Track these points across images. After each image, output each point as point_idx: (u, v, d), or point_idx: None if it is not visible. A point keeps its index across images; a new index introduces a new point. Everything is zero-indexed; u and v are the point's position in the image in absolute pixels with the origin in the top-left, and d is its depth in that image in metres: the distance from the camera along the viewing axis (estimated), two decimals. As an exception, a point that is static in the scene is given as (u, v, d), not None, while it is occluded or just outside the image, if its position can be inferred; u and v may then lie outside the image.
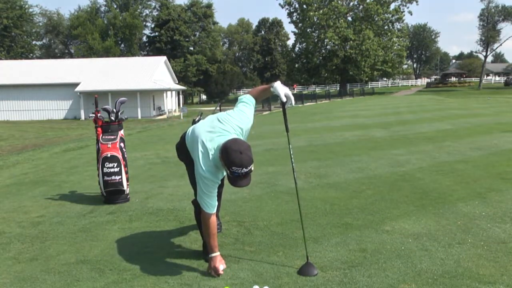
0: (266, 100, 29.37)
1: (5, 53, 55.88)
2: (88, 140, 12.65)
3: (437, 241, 3.42)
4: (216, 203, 2.94)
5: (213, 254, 2.94)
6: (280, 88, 3.05)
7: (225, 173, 2.94)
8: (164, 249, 3.43)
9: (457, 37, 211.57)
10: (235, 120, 2.96)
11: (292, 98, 3.05)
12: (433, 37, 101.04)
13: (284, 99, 3.06)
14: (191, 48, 65.27)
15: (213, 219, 2.92)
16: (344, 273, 2.88)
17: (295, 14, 58.12)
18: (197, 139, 2.87)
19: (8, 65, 37.61)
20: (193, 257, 3.24)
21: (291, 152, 3.26)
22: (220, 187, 3.25)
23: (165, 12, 62.99)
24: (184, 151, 3.15)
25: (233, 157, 2.63)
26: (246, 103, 3.11)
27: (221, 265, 2.91)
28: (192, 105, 57.37)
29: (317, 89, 66.87)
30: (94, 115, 5.03)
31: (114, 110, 5.04)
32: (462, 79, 73.25)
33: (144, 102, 32.88)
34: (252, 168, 2.70)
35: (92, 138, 11.00)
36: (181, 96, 47.29)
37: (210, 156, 2.80)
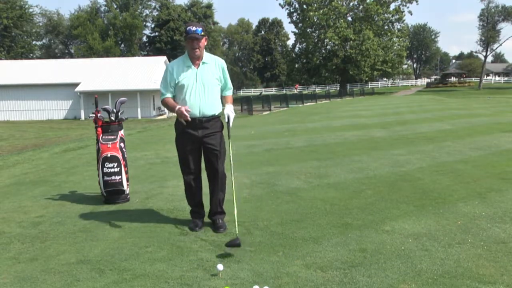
0: (266, 100, 29.45)
1: (5, 53, 55.89)
2: (88, 140, 12.65)
3: (437, 241, 3.42)
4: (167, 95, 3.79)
5: (176, 107, 3.66)
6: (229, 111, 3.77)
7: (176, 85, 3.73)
8: (164, 249, 3.43)
9: (457, 37, 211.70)
10: None
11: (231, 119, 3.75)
12: (433, 37, 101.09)
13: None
14: (191, 48, 65.26)
15: (167, 99, 3.78)
16: (344, 273, 2.88)
17: (295, 14, 58.06)
18: None
19: (8, 65, 37.55)
20: (193, 257, 3.24)
21: (231, 158, 3.72)
22: (213, 175, 3.87)
23: (165, 12, 63.05)
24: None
25: (186, 25, 3.75)
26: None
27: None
28: (192, 105, 57.18)
29: (317, 89, 66.88)
30: (94, 115, 5.03)
31: (114, 110, 5.04)
32: (462, 79, 73.23)
33: (144, 102, 32.84)
34: (203, 33, 3.64)
35: (92, 138, 11.01)
36: (181, 96, 47.17)
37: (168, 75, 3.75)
